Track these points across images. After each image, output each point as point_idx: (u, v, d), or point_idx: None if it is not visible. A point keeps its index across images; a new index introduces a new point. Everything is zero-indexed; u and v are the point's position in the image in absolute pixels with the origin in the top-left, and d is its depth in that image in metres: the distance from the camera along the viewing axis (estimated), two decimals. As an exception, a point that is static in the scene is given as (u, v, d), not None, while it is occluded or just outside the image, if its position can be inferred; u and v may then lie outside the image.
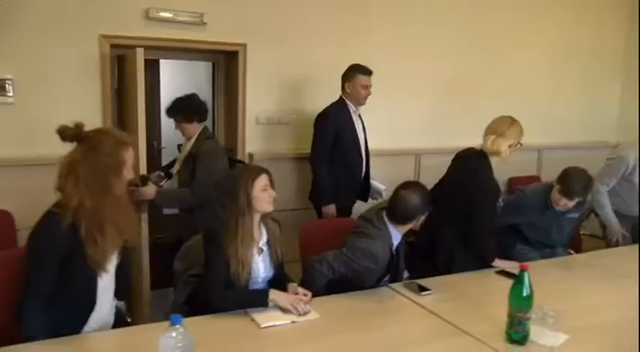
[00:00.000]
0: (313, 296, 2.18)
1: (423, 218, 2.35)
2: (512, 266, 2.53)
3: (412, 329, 1.98)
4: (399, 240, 2.38)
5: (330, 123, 3.37)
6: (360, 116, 3.53)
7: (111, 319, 1.98)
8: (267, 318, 1.98)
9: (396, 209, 2.31)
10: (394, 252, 2.34)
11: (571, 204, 2.87)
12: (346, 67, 3.40)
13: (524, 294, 1.77)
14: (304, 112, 3.89)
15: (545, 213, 2.95)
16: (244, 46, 3.67)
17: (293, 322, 1.97)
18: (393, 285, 2.36)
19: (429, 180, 2.82)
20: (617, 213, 3.54)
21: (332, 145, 3.35)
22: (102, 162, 1.74)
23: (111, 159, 1.75)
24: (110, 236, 1.76)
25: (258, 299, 2.06)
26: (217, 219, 2.12)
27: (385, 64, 4.04)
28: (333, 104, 3.45)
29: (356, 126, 3.47)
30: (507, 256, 2.80)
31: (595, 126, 5.15)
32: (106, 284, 1.90)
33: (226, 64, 3.92)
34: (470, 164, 2.70)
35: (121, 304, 2.12)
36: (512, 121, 2.68)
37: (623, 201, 3.58)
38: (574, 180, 2.83)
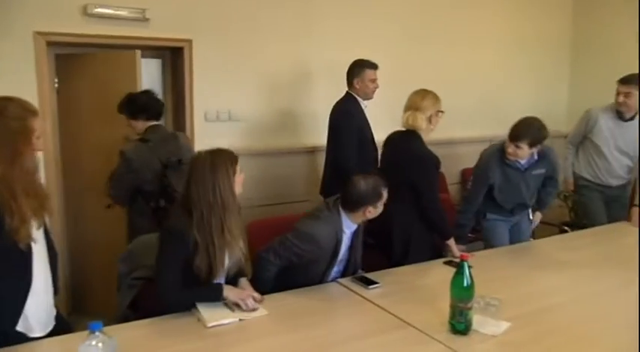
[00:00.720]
0: (263, 293, 2.17)
1: (374, 210, 2.34)
2: (458, 252, 2.62)
3: (358, 324, 2.00)
4: (352, 230, 2.38)
5: (355, 121, 3.36)
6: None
7: (50, 321, 1.87)
8: (214, 317, 1.95)
9: (346, 194, 2.32)
10: (339, 239, 2.32)
11: (520, 151, 2.86)
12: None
13: (465, 284, 1.81)
14: (255, 108, 3.88)
15: (506, 172, 2.97)
16: (190, 41, 3.61)
17: (241, 320, 1.97)
18: (342, 280, 2.38)
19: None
20: (591, 183, 3.78)
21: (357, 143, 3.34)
22: (8, 126, 1.69)
23: (18, 124, 1.70)
24: (24, 205, 1.70)
25: (212, 295, 2.02)
26: (178, 215, 2.01)
27: (332, 58, 4.06)
28: (346, 101, 3.43)
29: (369, 120, 3.49)
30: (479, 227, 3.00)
31: (546, 116, 5.14)
32: (40, 268, 1.80)
33: (172, 60, 3.86)
34: (402, 143, 2.78)
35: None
36: (424, 94, 2.79)
37: (594, 171, 3.79)
38: (518, 124, 2.88)
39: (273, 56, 3.90)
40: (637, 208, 3.52)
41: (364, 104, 3.47)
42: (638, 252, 2.54)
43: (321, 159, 3.69)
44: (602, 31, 5.31)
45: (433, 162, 2.74)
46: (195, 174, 1.96)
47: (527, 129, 2.85)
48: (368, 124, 3.45)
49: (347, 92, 3.49)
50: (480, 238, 3.30)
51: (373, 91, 3.48)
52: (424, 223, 2.76)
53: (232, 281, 2.16)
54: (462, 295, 1.82)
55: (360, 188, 2.30)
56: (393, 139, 2.93)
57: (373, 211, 2.34)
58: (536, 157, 2.98)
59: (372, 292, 2.25)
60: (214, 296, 2.02)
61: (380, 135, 3.23)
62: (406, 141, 2.78)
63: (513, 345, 1.81)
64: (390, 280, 2.39)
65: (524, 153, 2.89)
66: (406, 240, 2.77)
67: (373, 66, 3.46)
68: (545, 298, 2.21)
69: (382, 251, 2.86)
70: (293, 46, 3.99)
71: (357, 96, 3.45)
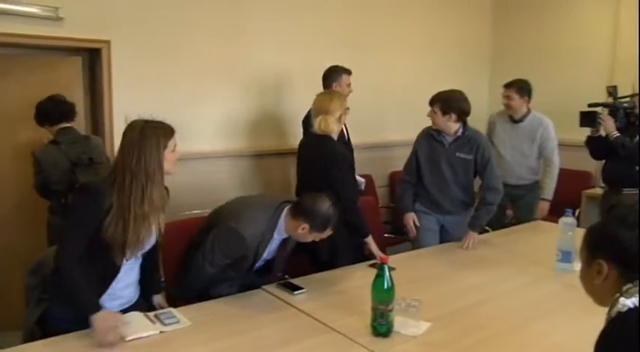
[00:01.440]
0: (184, 303, 2.13)
1: (305, 233, 2.25)
2: (378, 251, 2.68)
3: (282, 331, 1.99)
4: (282, 237, 2.34)
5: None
6: None
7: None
8: (132, 330, 1.89)
9: (305, 201, 2.27)
10: (265, 240, 2.27)
11: (435, 116, 2.99)
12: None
13: (385, 287, 1.84)
14: (181, 112, 3.80)
15: (432, 145, 3.09)
16: (108, 42, 3.49)
17: (162, 332, 1.91)
18: (267, 287, 2.36)
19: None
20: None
21: None
22: None
23: None
24: None
25: (87, 306, 1.81)
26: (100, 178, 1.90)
27: (261, 60, 4.08)
28: None
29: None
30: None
31: (468, 121, 5.49)
32: None
33: (90, 61, 3.71)
34: (317, 145, 2.80)
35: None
36: (331, 96, 2.85)
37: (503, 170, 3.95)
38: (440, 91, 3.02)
39: (200, 58, 3.84)
40: (545, 202, 3.94)
41: None
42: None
43: (260, 163, 3.68)
44: (520, 38, 5.62)
45: (347, 161, 2.78)
46: (124, 139, 1.88)
47: (441, 95, 3.01)
48: (344, 126, 3.65)
49: None
50: (408, 239, 3.38)
51: (347, 95, 3.65)
52: (344, 224, 2.73)
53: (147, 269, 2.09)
54: (382, 297, 1.85)
55: (321, 207, 2.22)
56: (308, 143, 2.97)
57: (303, 234, 2.26)
58: (459, 133, 3.06)
59: (297, 298, 2.25)
60: (86, 308, 1.81)
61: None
62: (320, 143, 2.80)
63: (433, 345, 1.85)
64: (316, 285, 2.39)
65: (438, 120, 3.01)
66: (331, 244, 2.72)
67: (348, 71, 3.78)
68: (465, 297, 2.28)
69: (309, 255, 2.83)
70: (222, 48, 3.94)
71: None
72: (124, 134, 1.90)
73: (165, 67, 3.73)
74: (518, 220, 4.02)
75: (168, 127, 1.93)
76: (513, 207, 4.16)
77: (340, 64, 4.45)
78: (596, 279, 1.19)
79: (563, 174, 5.06)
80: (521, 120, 3.95)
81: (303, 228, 2.23)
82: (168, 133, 1.91)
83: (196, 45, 3.83)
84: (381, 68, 4.79)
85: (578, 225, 3.38)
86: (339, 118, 2.80)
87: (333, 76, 3.76)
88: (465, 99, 3.02)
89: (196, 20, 3.83)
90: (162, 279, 2.40)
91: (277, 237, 2.32)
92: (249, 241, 2.21)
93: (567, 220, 2.61)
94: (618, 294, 1.13)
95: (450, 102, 2.97)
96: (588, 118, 3.81)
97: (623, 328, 1.07)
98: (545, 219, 3.89)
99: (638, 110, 3.70)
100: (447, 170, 3.09)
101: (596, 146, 3.87)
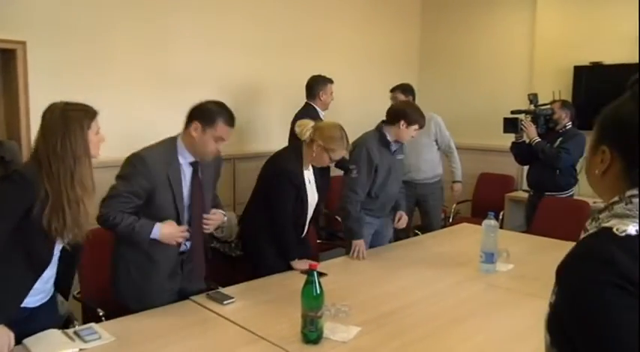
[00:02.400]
0: (123, 313, 2.10)
1: (213, 136, 2.21)
2: (304, 267, 2.63)
3: (211, 342, 1.96)
4: (189, 161, 2.28)
5: None
6: None
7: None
8: (49, 349, 1.80)
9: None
10: (174, 168, 2.23)
11: (406, 130, 3.05)
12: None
13: (315, 294, 1.85)
14: (107, 117, 3.62)
15: (384, 154, 3.10)
16: (23, 43, 3.32)
17: (82, 350, 1.84)
18: (195, 298, 2.32)
19: (245, 186, 2.84)
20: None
21: None
22: None
23: None
24: None
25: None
26: (26, 165, 1.83)
27: (182, 64, 4.01)
28: (308, 111, 3.89)
29: None
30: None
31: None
32: None
33: (4, 63, 3.51)
34: (275, 154, 2.82)
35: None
36: (341, 132, 2.74)
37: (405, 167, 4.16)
38: (413, 109, 3.08)
39: (124, 62, 3.72)
40: (458, 184, 4.32)
41: (322, 114, 4.05)
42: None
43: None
44: (446, 46, 5.82)
45: (293, 180, 2.70)
46: (44, 122, 1.82)
47: (405, 108, 3.12)
48: None
49: (307, 103, 4.07)
50: (341, 245, 3.42)
51: (330, 102, 4.10)
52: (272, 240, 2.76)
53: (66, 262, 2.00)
54: (312, 304, 1.86)
55: (205, 103, 2.22)
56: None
57: (200, 137, 2.19)
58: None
59: (226, 308, 2.22)
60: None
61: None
62: (278, 154, 2.81)
63: (362, 349, 1.88)
64: (246, 294, 2.38)
65: (404, 133, 3.06)
66: (254, 254, 2.77)
67: (331, 80, 4.12)
68: (394, 300, 2.33)
69: (245, 262, 2.85)
70: (143, 49, 3.84)
71: (316, 107, 4.05)
72: (43, 117, 1.84)
73: (87, 69, 3.59)
74: (424, 225, 4.27)
75: (91, 109, 1.89)
76: (420, 212, 4.34)
77: (265, 68, 4.52)
78: (598, 168, 0.98)
79: (487, 178, 5.36)
80: None
81: (195, 129, 2.19)
82: (90, 114, 1.88)
83: (118, 48, 3.71)
84: (309, 73, 4.81)
85: (501, 227, 3.56)
86: (320, 148, 2.69)
87: (319, 85, 4.05)
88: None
89: (122, 25, 3.71)
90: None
91: (184, 162, 2.25)
92: (151, 164, 2.15)
93: (490, 222, 2.69)
94: (616, 198, 0.94)
95: (413, 115, 3.05)
96: (511, 124, 4.01)
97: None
98: (468, 220, 4.10)
99: (556, 116, 3.93)
100: (395, 174, 3.20)
101: (520, 151, 4.07)
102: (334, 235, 3.93)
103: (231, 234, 3.06)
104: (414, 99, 4.21)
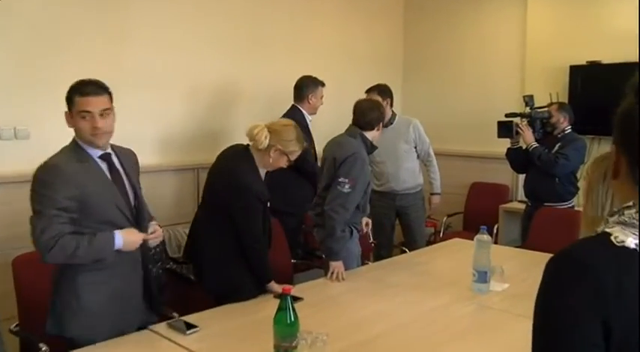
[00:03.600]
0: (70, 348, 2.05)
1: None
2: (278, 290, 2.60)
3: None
4: (98, 154, 2.25)
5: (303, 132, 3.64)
6: None
7: None
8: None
9: None
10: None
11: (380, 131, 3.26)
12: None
13: (289, 321, 1.83)
14: (39, 122, 3.51)
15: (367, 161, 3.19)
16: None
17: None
18: (154, 327, 2.28)
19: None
20: (378, 192, 4.26)
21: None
22: None
23: None
24: None
25: None
26: None
27: (143, 61, 3.96)
28: (294, 114, 3.94)
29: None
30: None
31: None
32: None
33: None
34: (224, 169, 2.77)
35: None
36: (296, 130, 2.80)
37: (377, 178, 4.33)
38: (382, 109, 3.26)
39: (75, 55, 3.64)
40: (436, 196, 4.40)
41: (309, 119, 4.11)
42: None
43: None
44: (431, 46, 5.84)
45: (256, 196, 2.68)
46: None
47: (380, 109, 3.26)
48: (312, 139, 4.00)
49: (293, 105, 4.11)
50: (319, 265, 3.40)
51: (318, 107, 4.17)
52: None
53: None
54: (285, 333, 1.84)
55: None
56: (221, 158, 2.89)
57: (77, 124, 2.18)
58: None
59: (190, 337, 2.18)
60: None
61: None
62: (237, 158, 2.77)
63: (342, 382, 1.87)
64: (212, 322, 2.34)
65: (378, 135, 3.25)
66: (222, 276, 2.72)
67: (323, 84, 4.17)
68: (377, 324, 2.32)
69: (204, 286, 2.80)
70: (102, 46, 3.76)
71: (303, 111, 4.09)
72: None
73: (37, 63, 3.49)
74: (408, 241, 4.33)
75: None
76: (402, 226, 4.40)
77: (237, 68, 4.50)
78: (611, 169, 1.00)
79: (480, 187, 5.40)
80: (389, 122, 4.19)
81: (67, 117, 2.20)
82: None
83: (72, 42, 3.63)
84: (288, 74, 4.81)
85: (495, 242, 3.56)
86: (278, 152, 2.70)
87: (309, 86, 4.08)
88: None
89: (73, 13, 3.64)
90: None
91: (95, 156, 2.23)
92: (64, 168, 2.12)
93: (482, 238, 2.69)
94: (630, 203, 0.94)
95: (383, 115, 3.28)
96: (506, 129, 4.04)
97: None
98: (460, 235, 4.12)
99: (554, 119, 3.97)
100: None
101: (517, 158, 4.11)
102: (311, 254, 3.90)
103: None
104: (392, 101, 4.27)
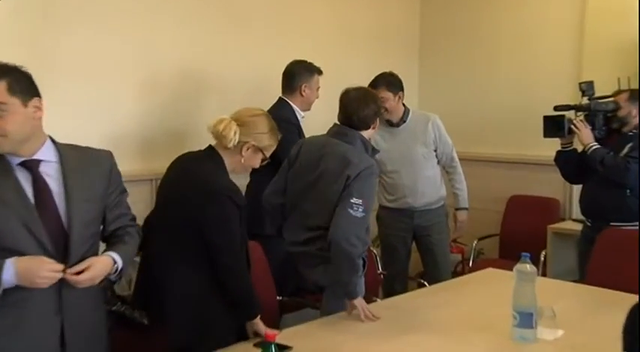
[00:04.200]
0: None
1: None
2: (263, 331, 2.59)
3: None
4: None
5: (297, 135, 3.82)
6: None
7: None
8: None
9: None
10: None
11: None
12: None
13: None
14: None
15: None
16: None
17: None
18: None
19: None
20: (389, 209, 4.37)
21: None
22: None
23: None
24: None
25: None
26: None
27: (86, 47, 3.92)
28: (282, 109, 4.01)
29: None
30: None
31: None
32: None
33: None
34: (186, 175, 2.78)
35: None
36: (268, 118, 2.88)
37: (388, 192, 4.39)
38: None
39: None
40: (463, 212, 4.42)
41: (301, 115, 4.14)
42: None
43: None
44: (458, 19, 5.86)
45: (229, 197, 2.67)
46: None
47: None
48: None
49: (281, 98, 4.15)
50: (312, 304, 3.45)
51: (314, 101, 4.18)
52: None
53: None
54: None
55: None
56: (182, 161, 2.91)
57: None
58: None
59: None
60: None
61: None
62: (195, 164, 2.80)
63: None
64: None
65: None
66: (193, 317, 2.68)
67: (320, 71, 4.19)
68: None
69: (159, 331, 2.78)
70: (28, 29, 3.72)
71: (293, 105, 4.12)
72: None
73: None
74: (428, 271, 4.38)
75: None
76: (421, 252, 4.45)
77: (208, 53, 4.51)
78: None
79: (521, 202, 5.41)
80: (402, 121, 4.28)
81: None
82: None
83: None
84: (273, 59, 4.75)
85: (543, 275, 3.48)
86: (252, 149, 2.77)
87: (302, 74, 4.11)
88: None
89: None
90: None
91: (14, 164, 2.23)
92: None
93: (525, 268, 2.62)
94: None
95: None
96: (555, 126, 3.97)
97: None
98: (494, 263, 4.07)
99: (623, 112, 3.90)
100: None
101: (570, 163, 4.04)
102: (303, 289, 3.80)
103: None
104: (403, 95, 4.27)
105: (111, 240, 2.43)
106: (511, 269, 2.72)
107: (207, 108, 4.50)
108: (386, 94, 4.14)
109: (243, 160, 2.75)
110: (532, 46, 5.43)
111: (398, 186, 4.31)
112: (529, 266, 2.63)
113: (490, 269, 3.88)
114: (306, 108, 4.18)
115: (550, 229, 4.85)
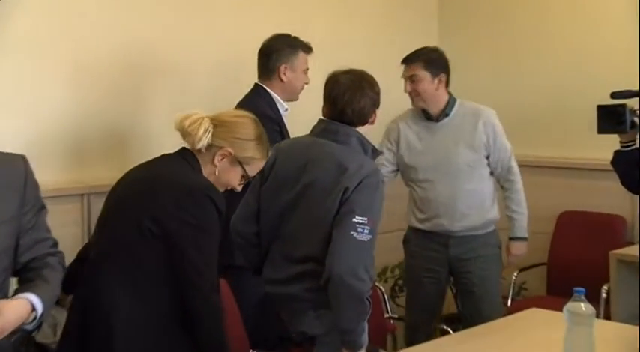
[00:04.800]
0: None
1: None
2: None
3: None
4: None
5: (279, 133, 3.83)
6: None
7: None
8: None
9: None
10: None
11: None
12: None
13: None
14: None
15: None
16: None
17: None
18: None
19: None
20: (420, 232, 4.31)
21: None
22: None
23: None
24: None
25: None
26: None
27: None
28: (257, 98, 4.00)
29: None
30: None
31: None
32: None
33: None
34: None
35: None
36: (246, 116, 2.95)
37: (419, 209, 4.32)
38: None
39: None
40: (519, 243, 4.38)
41: (284, 107, 4.07)
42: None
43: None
44: None
45: (211, 200, 2.68)
46: None
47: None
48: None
49: (256, 85, 4.10)
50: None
51: (302, 88, 4.11)
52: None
53: None
54: None
55: None
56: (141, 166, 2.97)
57: None
58: None
59: None
60: None
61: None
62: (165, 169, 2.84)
63: None
64: None
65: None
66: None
67: (308, 48, 4.11)
68: None
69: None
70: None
71: (273, 94, 4.04)
72: None
73: None
74: (466, 320, 4.29)
75: None
76: (459, 291, 4.49)
77: (164, 30, 4.51)
78: None
79: (574, 220, 5.64)
80: (443, 114, 4.22)
81: None
82: None
83: None
84: (246, 36, 4.77)
85: (605, 316, 3.35)
86: (229, 159, 2.80)
87: (282, 51, 4.03)
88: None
89: None
90: None
91: None
92: None
93: (579, 308, 2.60)
94: None
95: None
96: (614, 118, 3.87)
97: None
98: (540, 301, 4.20)
99: None
100: None
101: (631, 166, 3.91)
102: (284, 340, 3.74)
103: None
104: (446, 80, 4.24)
105: (26, 276, 2.41)
106: (561, 310, 2.70)
107: (157, 104, 4.49)
108: (421, 73, 4.11)
109: (217, 172, 2.75)
110: (580, 20, 5.47)
111: (430, 201, 4.23)
112: (585, 306, 2.60)
113: (534, 310, 3.82)
114: (290, 97, 4.12)
115: (614, 256, 4.73)
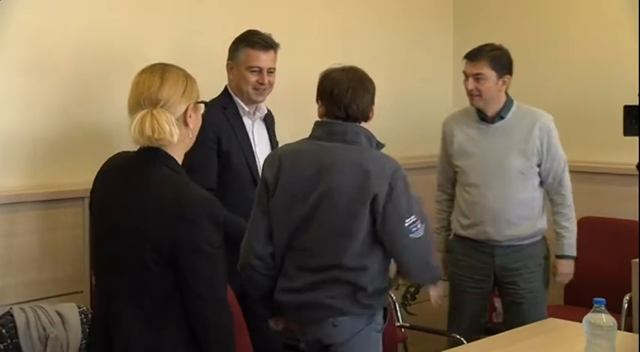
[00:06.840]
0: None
1: None
2: None
3: None
4: None
5: (209, 133, 3.64)
6: (265, 121, 4.10)
7: None
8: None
9: None
10: None
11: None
12: None
13: None
14: None
15: None
16: None
17: None
18: None
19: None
20: (466, 240, 4.30)
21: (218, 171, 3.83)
22: None
23: None
24: None
25: None
26: None
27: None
28: (214, 99, 3.88)
29: (253, 138, 3.98)
30: None
31: (419, 125, 5.78)
32: None
33: None
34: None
35: None
36: (162, 75, 2.79)
37: (464, 214, 4.32)
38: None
39: None
40: (566, 261, 4.38)
41: (245, 110, 4.00)
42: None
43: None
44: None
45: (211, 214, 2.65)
46: None
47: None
48: (249, 145, 3.97)
49: (225, 87, 4.06)
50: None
51: (255, 89, 3.91)
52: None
53: None
54: None
55: None
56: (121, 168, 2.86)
57: None
58: None
59: None
60: None
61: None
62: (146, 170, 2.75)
63: None
64: None
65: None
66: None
67: (264, 45, 3.90)
68: None
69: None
70: None
71: (234, 97, 4.00)
72: None
73: None
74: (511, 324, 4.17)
75: None
76: (504, 303, 4.45)
77: (137, 19, 4.43)
78: None
79: (596, 227, 5.47)
80: (499, 116, 4.21)
81: None
82: None
83: None
84: (224, 28, 4.67)
85: (627, 328, 3.35)
86: (185, 119, 2.72)
87: (231, 47, 3.96)
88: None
89: None
90: None
91: None
92: None
93: (599, 319, 2.60)
94: None
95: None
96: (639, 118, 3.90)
97: None
98: (559, 311, 4.27)
99: None
100: None
101: None
102: (293, 348, 3.84)
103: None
104: (509, 82, 4.25)
105: None
106: (580, 321, 2.74)
107: (123, 97, 4.34)
108: (487, 72, 4.11)
109: (191, 133, 2.74)
110: (607, 12, 5.43)
111: (476, 206, 4.24)
112: (606, 318, 2.62)
113: (551, 321, 3.86)
114: (241, 96, 4.01)
115: (636, 264, 4.66)
